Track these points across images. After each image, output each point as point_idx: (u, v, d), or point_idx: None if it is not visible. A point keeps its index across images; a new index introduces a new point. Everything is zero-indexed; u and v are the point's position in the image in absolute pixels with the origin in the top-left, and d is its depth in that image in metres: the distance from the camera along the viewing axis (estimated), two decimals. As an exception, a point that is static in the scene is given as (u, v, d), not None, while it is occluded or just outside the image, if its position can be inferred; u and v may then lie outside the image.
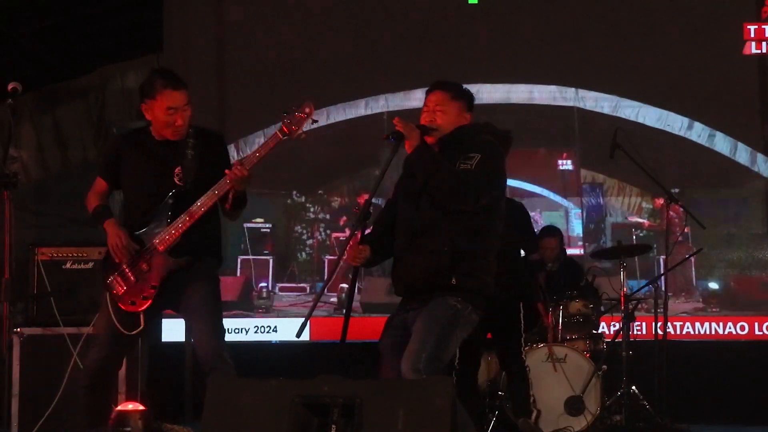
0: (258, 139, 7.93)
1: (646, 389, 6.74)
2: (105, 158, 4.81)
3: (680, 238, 7.52)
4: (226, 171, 4.37)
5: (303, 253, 8.33)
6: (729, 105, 8.17)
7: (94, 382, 4.51)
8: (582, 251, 8.08)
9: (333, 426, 3.48)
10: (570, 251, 7.80)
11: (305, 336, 7.77)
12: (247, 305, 8.18)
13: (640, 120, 8.17)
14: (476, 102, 4.63)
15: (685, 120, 8.16)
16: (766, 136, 8.15)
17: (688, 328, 7.98)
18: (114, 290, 4.51)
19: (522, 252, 6.71)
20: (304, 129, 4.42)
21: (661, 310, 6.87)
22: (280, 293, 8.23)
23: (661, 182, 7.01)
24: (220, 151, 4.64)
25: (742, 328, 7.95)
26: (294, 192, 8.34)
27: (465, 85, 4.61)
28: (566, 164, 8.27)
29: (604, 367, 6.57)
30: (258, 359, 7.24)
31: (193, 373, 7.53)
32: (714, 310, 8.08)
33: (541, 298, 6.78)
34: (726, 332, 7.96)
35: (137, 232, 4.52)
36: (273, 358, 7.73)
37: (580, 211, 8.26)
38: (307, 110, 4.40)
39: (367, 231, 4.52)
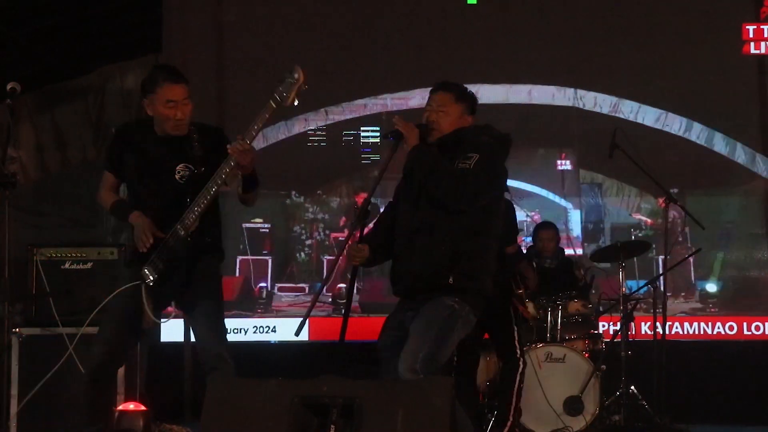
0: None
1: (645, 389, 6.74)
2: (109, 151, 4.82)
3: (680, 239, 7.52)
4: (228, 146, 4.34)
5: (302, 254, 8.33)
6: (728, 105, 8.19)
7: (96, 376, 4.50)
8: (581, 251, 8.08)
9: (332, 426, 3.48)
10: (569, 251, 7.80)
11: (304, 336, 7.85)
12: (246, 305, 8.18)
13: (639, 120, 8.18)
14: (474, 102, 4.64)
15: (684, 120, 8.17)
16: (764, 136, 8.16)
17: (686, 328, 7.99)
18: (146, 280, 4.49)
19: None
20: (296, 99, 4.29)
21: (660, 310, 6.88)
22: (279, 293, 8.24)
23: (660, 182, 7.02)
24: (223, 144, 4.59)
25: (741, 327, 7.95)
26: (293, 192, 8.34)
27: (464, 85, 4.62)
28: (565, 164, 8.27)
29: (603, 367, 6.57)
30: (257, 359, 7.24)
31: (193, 373, 7.53)
32: (713, 310, 8.09)
33: (518, 287, 6.57)
34: (725, 332, 7.97)
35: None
36: (272, 358, 7.73)
37: (579, 211, 8.27)
38: (296, 75, 4.28)
39: (366, 230, 4.53)
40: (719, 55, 8.20)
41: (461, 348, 5.09)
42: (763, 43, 8.16)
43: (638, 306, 7.14)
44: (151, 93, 4.49)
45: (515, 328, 6.23)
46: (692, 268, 8.12)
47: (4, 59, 8.34)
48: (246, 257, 8.20)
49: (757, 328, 7.94)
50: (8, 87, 4.60)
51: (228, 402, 3.68)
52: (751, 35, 8.17)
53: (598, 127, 7.95)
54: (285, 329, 8.01)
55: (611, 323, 7.46)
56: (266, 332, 8.06)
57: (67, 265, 6.12)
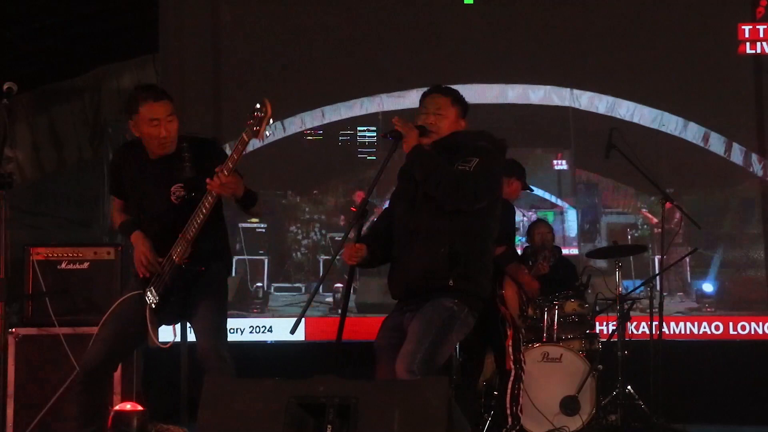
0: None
1: (642, 389, 6.74)
2: (110, 175, 4.87)
3: (680, 240, 7.54)
4: (207, 180, 4.32)
5: (298, 253, 8.33)
6: (724, 105, 8.19)
7: (89, 379, 4.50)
8: (577, 251, 8.08)
9: (329, 426, 3.48)
10: (565, 251, 7.80)
11: (300, 336, 7.85)
12: (243, 305, 8.17)
13: (635, 120, 8.18)
14: (471, 102, 4.66)
15: (680, 120, 8.17)
16: (760, 136, 8.16)
17: (683, 327, 7.99)
18: (149, 302, 4.54)
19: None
20: (267, 129, 4.26)
21: (657, 309, 6.88)
22: (276, 293, 8.24)
23: (656, 182, 7.02)
24: (216, 156, 4.58)
25: (737, 327, 7.96)
26: (289, 192, 8.34)
27: (460, 85, 4.64)
28: (561, 164, 8.27)
29: (600, 366, 6.57)
30: (253, 359, 7.23)
31: (189, 373, 7.52)
32: (709, 309, 8.09)
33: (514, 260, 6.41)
34: (721, 332, 7.97)
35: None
36: (268, 358, 7.72)
37: (575, 211, 8.27)
38: (264, 109, 4.23)
39: (365, 229, 4.54)
40: (715, 55, 8.20)
41: (470, 348, 5.09)
42: (758, 43, 8.17)
43: (635, 306, 7.15)
44: (135, 113, 4.48)
45: (507, 333, 6.23)
46: (688, 268, 8.13)
47: (0, 59, 8.33)
48: (242, 257, 8.19)
49: (754, 328, 7.95)
50: (4, 87, 4.60)
51: (224, 402, 3.67)
52: (746, 35, 8.17)
53: (594, 127, 7.95)
54: (281, 329, 8.01)
55: (608, 323, 7.46)
56: (262, 332, 8.06)
57: (63, 265, 6.12)
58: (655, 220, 8.12)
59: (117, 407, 5.44)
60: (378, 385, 3.87)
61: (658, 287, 7.01)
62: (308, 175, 8.35)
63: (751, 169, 8.14)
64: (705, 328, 7.99)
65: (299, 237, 8.32)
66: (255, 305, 8.19)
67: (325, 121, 8.29)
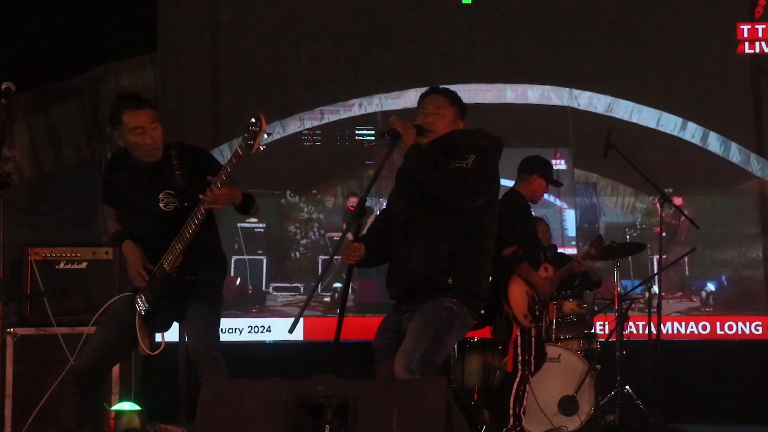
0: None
1: (640, 389, 6.75)
2: (103, 185, 4.87)
3: (682, 237, 7.53)
4: (201, 196, 4.32)
5: (297, 253, 8.32)
6: (722, 105, 8.20)
7: (82, 382, 4.50)
8: (576, 251, 8.08)
9: (327, 426, 3.48)
10: (564, 251, 7.80)
11: (299, 336, 7.85)
12: (241, 305, 8.17)
13: (634, 120, 8.18)
14: (470, 102, 4.68)
15: (679, 120, 8.17)
16: (759, 136, 8.16)
17: (681, 327, 7.99)
18: (139, 310, 4.55)
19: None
20: (262, 142, 4.23)
21: (655, 309, 6.88)
22: (274, 293, 8.23)
23: (654, 182, 7.02)
24: (206, 163, 4.59)
25: (736, 327, 7.96)
26: (288, 192, 8.33)
27: (459, 85, 4.65)
28: (560, 164, 8.27)
29: (598, 366, 6.57)
30: (252, 359, 7.24)
31: (188, 373, 7.50)
32: (707, 309, 8.09)
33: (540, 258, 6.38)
34: (720, 332, 7.97)
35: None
36: (267, 357, 7.71)
37: (573, 210, 8.27)
38: (258, 123, 4.19)
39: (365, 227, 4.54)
40: (714, 54, 8.21)
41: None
42: (757, 43, 8.17)
43: (633, 306, 7.15)
44: (118, 124, 4.49)
45: (517, 335, 6.18)
46: (687, 268, 8.13)
47: (-1, 59, 8.33)
48: (241, 257, 8.19)
49: (753, 327, 7.95)
50: (3, 86, 4.59)
51: (223, 402, 3.67)
52: (745, 35, 8.18)
53: (593, 127, 7.95)
54: (280, 329, 8.00)
55: (606, 323, 7.46)
56: (261, 332, 8.05)
57: (61, 265, 6.12)
58: (665, 213, 8.03)
59: (115, 407, 5.46)
60: (376, 384, 3.86)
61: (656, 287, 7.01)
62: (307, 175, 8.35)
63: (750, 169, 8.14)
64: (703, 328, 7.99)
65: (298, 237, 8.32)
66: (254, 305, 8.19)
67: (324, 121, 8.28)
